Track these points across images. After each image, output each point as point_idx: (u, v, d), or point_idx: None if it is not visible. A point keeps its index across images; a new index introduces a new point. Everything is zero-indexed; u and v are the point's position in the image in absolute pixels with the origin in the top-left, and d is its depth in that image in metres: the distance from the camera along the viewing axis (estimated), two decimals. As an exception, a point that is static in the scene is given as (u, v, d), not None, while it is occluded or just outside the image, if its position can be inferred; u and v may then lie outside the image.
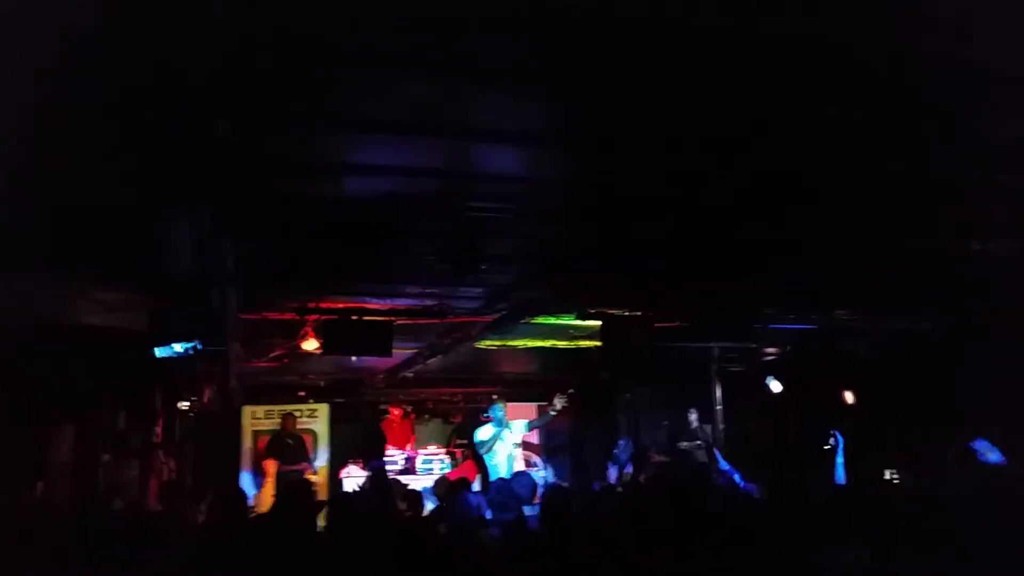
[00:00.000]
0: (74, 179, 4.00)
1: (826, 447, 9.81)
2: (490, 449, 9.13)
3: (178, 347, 5.87)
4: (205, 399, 9.68)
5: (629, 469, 10.12)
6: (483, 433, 9.37)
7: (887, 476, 8.49)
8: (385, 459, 11.57)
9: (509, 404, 10.18)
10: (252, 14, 2.83)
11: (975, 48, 3.31)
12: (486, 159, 4.50)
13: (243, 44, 2.96)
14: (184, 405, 9.54)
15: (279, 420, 11.21)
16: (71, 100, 3.24)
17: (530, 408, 13.02)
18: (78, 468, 7.22)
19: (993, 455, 6.69)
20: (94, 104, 3.28)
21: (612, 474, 10.37)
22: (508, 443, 9.37)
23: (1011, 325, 7.45)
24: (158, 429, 9.17)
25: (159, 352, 5.88)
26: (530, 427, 10.37)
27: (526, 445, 11.15)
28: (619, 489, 8.43)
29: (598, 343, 8.10)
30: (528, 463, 11.44)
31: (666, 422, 11.98)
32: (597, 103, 3.81)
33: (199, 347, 6.10)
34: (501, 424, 9.32)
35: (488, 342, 8.74)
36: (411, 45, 3.21)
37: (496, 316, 7.64)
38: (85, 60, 2.94)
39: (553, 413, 10.09)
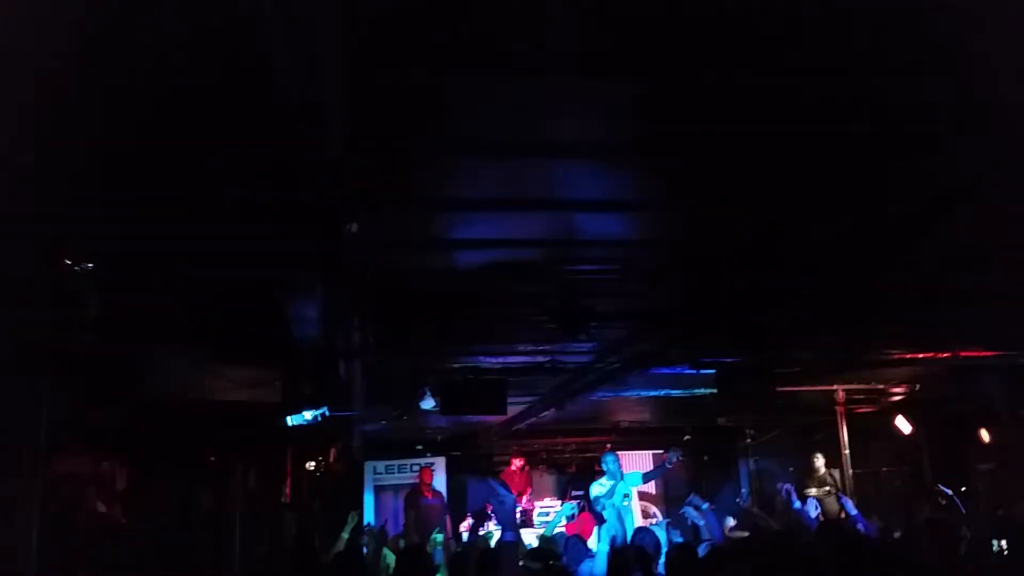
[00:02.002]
0: (209, 264, 4.36)
1: (962, 489, 9.26)
2: (606, 504, 9.00)
3: (307, 415, 6.19)
4: (331, 459, 10.07)
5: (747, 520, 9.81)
6: (598, 488, 9.21)
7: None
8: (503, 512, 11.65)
9: (624, 453, 10.10)
10: (368, 109, 3.05)
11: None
12: (586, 226, 4.62)
13: (364, 135, 3.18)
14: (311, 466, 9.96)
15: (403, 475, 11.57)
16: (208, 195, 3.57)
17: (645, 456, 12.89)
18: (217, 525, 7.68)
19: None
20: (220, 192, 3.59)
21: (733, 524, 10.05)
22: (624, 496, 9.22)
23: None
24: (287, 489, 9.61)
25: (290, 420, 6.22)
26: (646, 479, 10.20)
27: (644, 496, 10.98)
28: (743, 539, 8.21)
29: (714, 390, 8.01)
30: (647, 514, 11.25)
31: (791, 468, 11.60)
32: (691, 167, 3.88)
33: (326, 413, 6.42)
34: (615, 476, 9.17)
35: (601, 394, 8.76)
36: (510, 131, 3.40)
37: (608, 368, 7.69)
38: (221, 159, 3.23)
39: (669, 465, 9.89)
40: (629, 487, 9.42)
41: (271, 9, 2.10)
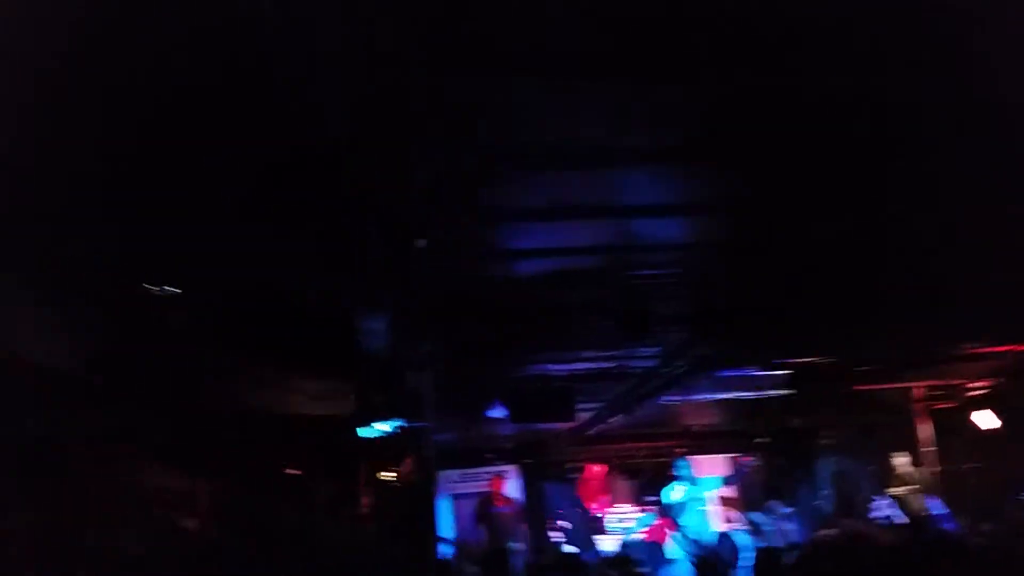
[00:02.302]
0: (289, 284, 4.52)
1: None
2: (683, 510, 8.90)
3: (382, 426, 6.32)
4: (405, 469, 10.20)
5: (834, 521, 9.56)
6: (674, 494, 9.13)
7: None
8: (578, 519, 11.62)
9: (698, 457, 9.99)
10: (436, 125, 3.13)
11: None
12: (646, 230, 4.63)
13: (432, 152, 3.27)
14: (386, 476, 10.11)
15: (478, 483, 11.64)
16: (287, 214, 3.69)
17: (719, 460, 12.69)
18: (296, 537, 7.87)
19: None
20: (307, 217, 3.71)
21: (814, 527, 9.80)
22: (702, 501, 9.10)
23: None
24: (363, 500, 9.78)
25: (365, 433, 6.35)
26: (724, 483, 10.06)
27: (723, 501, 10.80)
28: (828, 542, 8.03)
29: (788, 391, 7.88)
30: (727, 520, 11.03)
31: (871, 467, 11.28)
32: (756, 167, 3.85)
33: (398, 424, 6.53)
34: (690, 482, 9.08)
35: (671, 397, 8.69)
36: (571, 140, 3.44)
37: (677, 373, 7.63)
38: (298, 178, 3.35)
39: (747, 469, 9.74)
40: (705, 492, 9.31)
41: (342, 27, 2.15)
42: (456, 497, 12.86)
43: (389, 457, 9.75)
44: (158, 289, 3.76)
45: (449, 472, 12.70)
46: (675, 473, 9.41)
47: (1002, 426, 9.85)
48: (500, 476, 11.52)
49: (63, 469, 5.32)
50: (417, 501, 11.09)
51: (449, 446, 11.27)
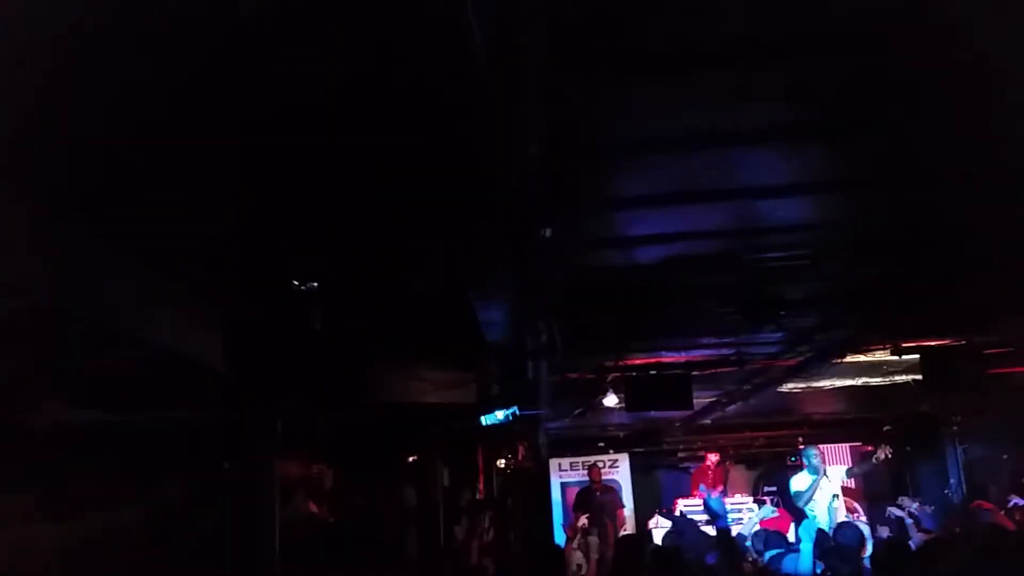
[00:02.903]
0: (412, 275, 4.66)
1: None
2: (809, 499, 8.65)
3: (500, 414, 6.44)
4: (519, 456, 10.36)
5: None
6: (800, 482, 8.88)
7: None
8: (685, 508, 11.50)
9: (821, 446, 9.70)
10: (560, 117, 3.15)
11: None
12: (769, 212, 4.50)
13: (556, 138, 3.29)
14: (502, 463, 10.30)
15: (584, 471, 11.70)
16: (406, 205, 3.79)
17: (842, 449, 12.30)
18: (420, 521, 8.12)
19: None
20: (428, 207, 3.80)
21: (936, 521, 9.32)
22: (827, 491, 8.83)
23: None
24: (480, 486, 9.99)
25: (484, 420, 6.49)
26: (850, 474, 9.73)
27: (845, 491, 10.46)
28: (957, 535, 7.68)
29: (916, 376, 7.53)
30: (849, 510, 10.69)
31: (1005, 456, 10.68)
32: (880, 144, 3.71)
33: (517, 412, 6.64)
34: (817, 471, 8.81)
35: (792, 385, 8.46)
36: (688, 123, 3.40)
37: (799, 359, 7.42)
38: (421, 167, 3.43)
39: (876, 461, 9.39)
40: (832, 482, 9.03)
41: (473, 10, 2.19)
42: (568, 485, 12.97)
43: (506, 445, 9.94)
44: (301, 284, 3.94)
45: (561, 460, 12.81)
46: (798, 462, 9.17)
47: None
48: (596, 465, 11.51)
49: (211, 461, 5.69)
50: (532, 487, 11.28)
51: (562, 435, 11.36)
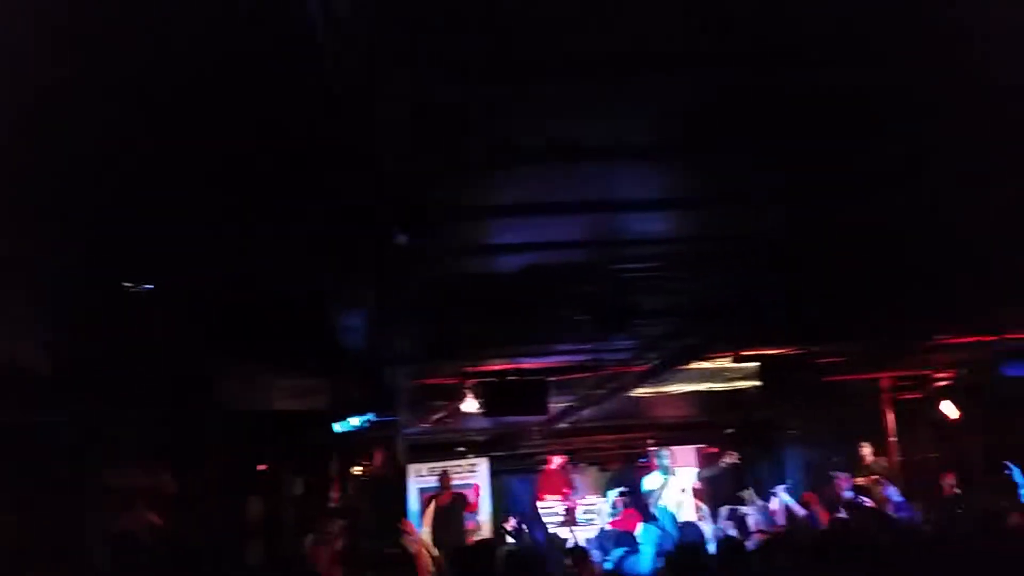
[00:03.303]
0: (259, 277, 4.45)
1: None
2: (659, 498, 9.02)
3: (355, 421, 6.29)
4: (375, 463, 10.18)
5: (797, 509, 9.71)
6: (651, 482, 9.26)
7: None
8: (545, 511, 11.68)
9: (669, 448, 10.12)
10: (418, 124, 3.10)
11: None
12: (626, 225, 4.65)
13: (411, 146, 3.24)
14: (357, 470, 10.08)
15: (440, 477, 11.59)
16: (260, 207, 3.64)
17: (689, 451, 12.83)
18: (268, 531, 7.81)
19: None
20: (274, 210, 3.66)
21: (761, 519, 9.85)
22: (676, 491, 9.24)
23: None
24: (334, 494, 9.73)
25: (337, 427, 6.32)
26: (700, 477, 10.20)
27: (693, 491, 10.95)
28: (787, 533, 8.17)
29: (757, 383, 7.97)
30: (697, 510, 11.18)
31: (836, 458, 11.47)
32: (733, 163, 3.89)
33: (372, 418, 6.50)
34: (668, 472, 9.23)
35: (642, 390, 8.75)
36: (549, 136, 3.44)
37: (650, 365, 7.68)
38: (274, 170, 3.30)
39: (724, 465, 9.89)
40: (676, 483, 9.43)
41: (324, 21, 2.13)
42: (426, 491, 12.83)
43: (361, 451, 9.73)
44: (134, 286, 3.68)
45: (420, 466, 12.69)
46: (647, 464, 9.53)
47: (966, 416, 10.09)
48: (446, 472, 11.46)
49: (32, 465, 5.23)
50: (388, 495, 11.08)
51: (420, 440, 11.26)
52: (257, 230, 3.87)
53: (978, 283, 6.15)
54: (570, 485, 13.05)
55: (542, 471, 13.07)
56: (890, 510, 8.54)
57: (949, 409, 10.17)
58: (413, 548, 9.16)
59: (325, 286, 4.49)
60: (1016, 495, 8.34)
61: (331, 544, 8.54)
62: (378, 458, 10.05)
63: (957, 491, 9.32)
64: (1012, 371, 8.40)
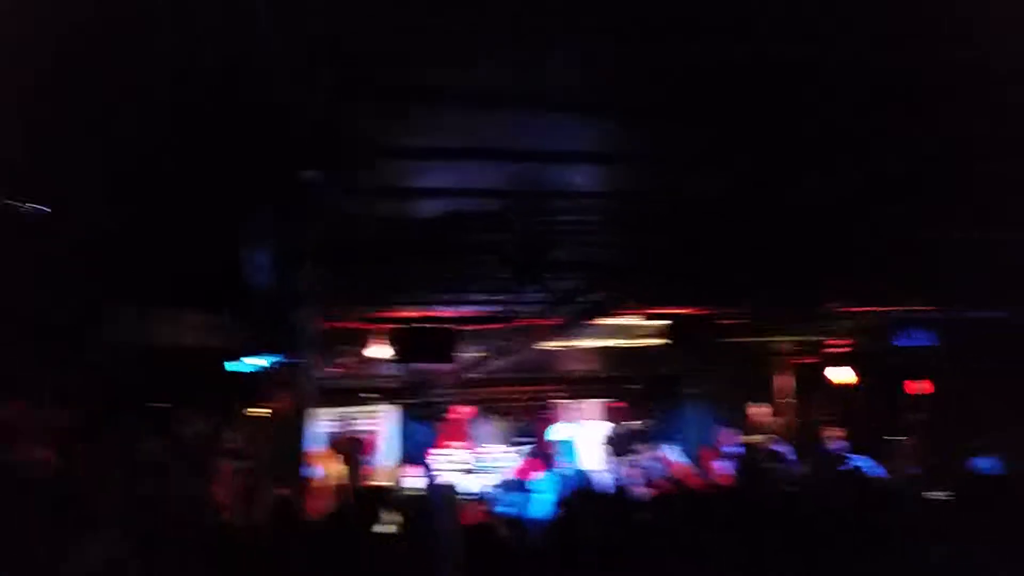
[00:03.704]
0: (162, 213, 4.24)
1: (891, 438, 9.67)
2: (565, 450, 9.24)
3: (258, 361, 6.12)
4: (280, 405, 9.99)
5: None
6: (558, 432, 9.48)
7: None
8: (446, 458, 11.80)
9: (575, 401, 10.33)
10: (329, 58, 2.97)
11: None
12: (549, 177, 4.62)
13: (321, 85, 3.10)
14: (260, 412, 9.88)
15: (359, 422, 11.55)
16: (162, 137, 3.45)
17: (595, 405, 13.10)
18: (164, 472, 7.60)
19: None
20: (179, 144, 3.48)
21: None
22: (580, 443, 9.48)
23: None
24: (233, 435, 9.53)
25: (241, 366, 6.14)
26: (598, 427, 10.45)
27: (595, 443, 11.22)
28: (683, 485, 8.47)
29: (663, 340, 8.16)
30: (598, 461, 11.47)
31: (732, 416, 11.92)
32: (655, 122, 3.90)
33: (277, 359, 6.35)
34: (566, 424, 9.44)
35: (552, 343, 8.85)
36: (472, 80, 3.35)
37: (561, 319, 7.76)
38: (169, 102, 3.13)
39: (619, 414, 10.14)
40: (580, 435, 9.66)
41: None
42: (332, 436, 12.74)
43: (265, 394, 9.52)
44: (23, 205, 3.44)
45: (326, 411, 12.58)
46: (553, 415, 9.72)
47: (857, 382, 10.62)
48: (350, 416, 11.44)
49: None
50: (292, 440, 10.93)
51: (328, 385, 11.12)
52: (159, 159, 3.67)
53: (874, 256, 6.42)
54: (475, 434, 13.19)
55: (447, 419, 13.15)
56: (780, 466, 8.97)
57: (841, 374, 10.69)
58: (311, 489, 9.13)
59: (229, 219, 4.31)
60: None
61: (229, 486, 8.40)
62: (280, 400, 9.87)
63: (842, 452, 9.83)
64: (901, 341, 8.88)
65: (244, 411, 9.72)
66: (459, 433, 12.90)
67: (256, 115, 3.14)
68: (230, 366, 6.65)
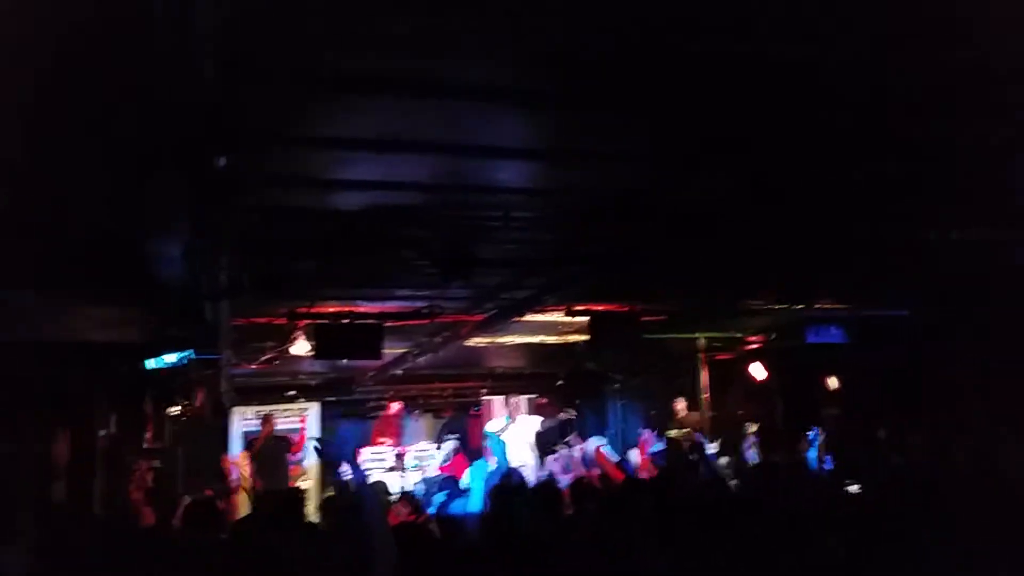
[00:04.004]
0: (69, 201, 4.05)
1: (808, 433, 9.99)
2: (494, 445, 9.27)
3: (171, 357, 5.93)
4: (197, 403, 9.73)
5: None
6: (491, 427, 9.54)
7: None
8: (374, 456, 11.67)
9: (502, 398, 10.38)
10: (241, 40, 2.88)
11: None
12: (474, 171, 4.59)
13: (233, 69, 3.01)
14: (175, 410, 9.60)
15: (281, 420, 11.30)
16: (61, 126, 3.29)
17: (521, 400, 13.18)
18: (72, 474, 7.29)
19: None
20: (84, 129, 3.33)
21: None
22: (508, 438, 9.56)
23: (989, 313, 7.64)
24: (148, 435, 9.23)
25: (153, 363, 5.94)
26: (525, 422, 10.53)
27: (523, 438, 11.28)
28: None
29: (586, 337, 8.25)
30: (526, 456, 11.53)
31: (654, 411, 12.14)
32: (577, 117, 3.91)
33: (192, 356, 6.17)
34: (506, 419, 9.53)
35: (478, 339, 8.85)
36: (398, 68, 3.29)
37: (485, 315, 7.76)
38: (72, 87, 2.99)
39: (559, 419, 10.27)
40: (506, 430, 9.71)
41: None
42: (252, 435, 12.45)
43: (181, 391, 9.24)
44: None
45: (246, 409, 12.29)
46: (480, 411, 9.75)
47: (772, 377, 10.94)
48: (270, 416, 11.19)
49: None
50: (209, 438, 10.65)
51: (248, 382, 10.86)
52: (67, 147, 3.50)
53: (790, 255, 6.62)
54: (402, 431, 13.09)
55: (377, 417, 13.01)
56: (701, 459, 9.16)
57: (758, 370, 11.00)
58: (232, 489, 8.92)
59: (139, 208, 4.15)
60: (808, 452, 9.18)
61: (143, 486, 8.13)
62: (199, 398, 9.61)
63: (759, 445, 10.11)
64: (815, 338, 9.19)
65: (160, 410, 9.43)
66: (387, 430, 12.78)
67: (162, 100, 3.01)
68: (144, 362, 6.43)
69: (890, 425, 9.33)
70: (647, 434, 9.87)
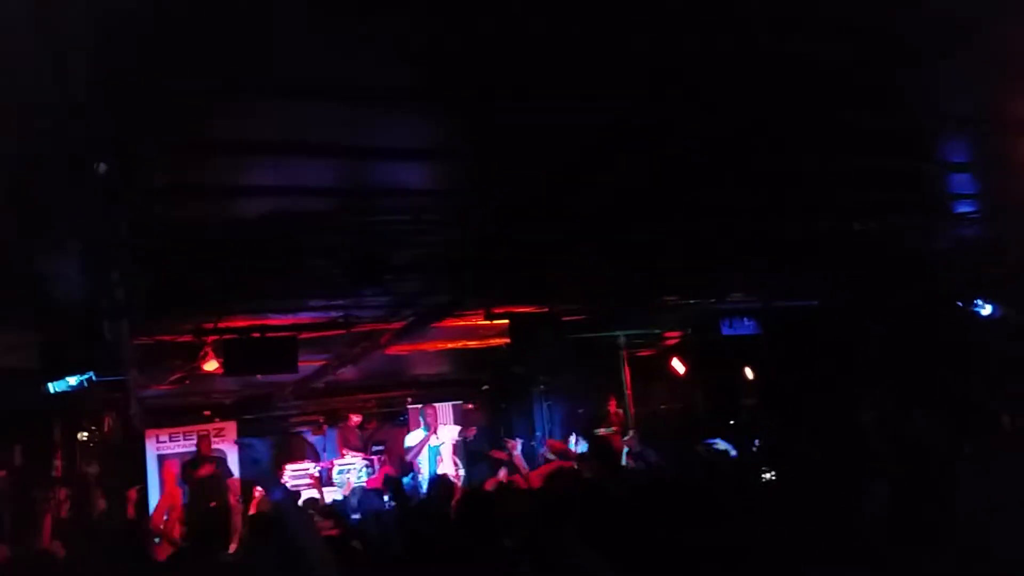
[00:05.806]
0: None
1: (731, 423, 10.21)
2: (418, 454, 9.19)
3: (72, 380, 5.64)
4: (105, 428, 9.31)
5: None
6: (411, 439, 9.42)
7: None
8: (297, 472, 11.41)
9: (427, 405, 10.28)
10: (137, 43, 2.74)
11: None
12: (380, 174, 4.50)
13: (122, 72, 2.86)
14: (83, 436, 9.16)
15: (189, 442, 10.91)
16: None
17: (446, 408, 13.08)
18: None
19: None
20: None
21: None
22: (438, 447, 9.48)
23: (893, 297, 7.95)
24: (56, 463, 8.79)
25: (53, 387, 5.63)
26: (461, 434, 10.48)
27: (449, 445, 11.19)
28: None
29: (508, 340, 8.22)
30: (454, 464, 11.45)
31: (580, 410, 12.23)
32: (486, 116, 3.86)
33: (93, 378, 5.88)
34: (428, 429, 9.43)
35: (398, 347, 8.71)
36: (300, 72, 3.18)
37: (404, 322, 7.64)
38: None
39: (471, 415, 10.21)
40: (432, 439, 9.62)
41: None
42: (167, 458, 12.02)
43: (88, 415, 8.82)
44: None
45: (160, 431, 11.84)
46: (407, 421, 9.65)
47: (691, 371, 11.14)
48: (206, 436, 10.85)
49: None
50: (122, 463, 10.20)
51: (159, 403, 10.45)
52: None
53: (701, 250, 6.74)
54: (325, 445, 12.81)
55: (296, 432, 12.72)
56: (628, 457, 9.24)
57: (678, 364, 11.18)
58: (152, 514, 8.50)
59: (31, 229, 3.92)
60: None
61: (53, 515, 7.73)
62: (108, 422, 9.20)
63: (683, 438, 10.27)
64: (729, 331, 9.40)
65: (70, 437, 8.98)
66: (309, 445, 12.51)
67: (37, 104, 2.84)
68: (45, 387, 6.10)
69: (802, 411, 9.60)
70: (575, 430, 9.92)
